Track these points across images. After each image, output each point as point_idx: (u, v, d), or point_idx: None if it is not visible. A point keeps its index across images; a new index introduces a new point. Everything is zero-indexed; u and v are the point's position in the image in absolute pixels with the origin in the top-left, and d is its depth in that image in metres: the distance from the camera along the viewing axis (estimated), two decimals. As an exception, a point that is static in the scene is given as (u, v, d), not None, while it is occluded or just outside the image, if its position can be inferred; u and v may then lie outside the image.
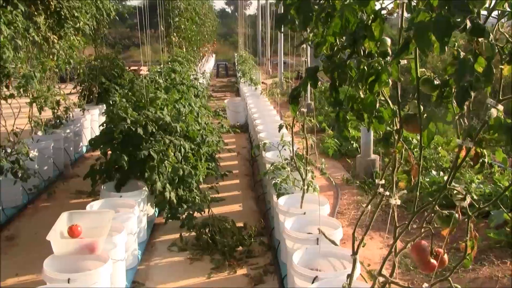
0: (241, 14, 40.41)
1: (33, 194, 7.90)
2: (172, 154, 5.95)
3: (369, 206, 3.34)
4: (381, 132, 2.91)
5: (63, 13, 8.80)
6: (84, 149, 10.87)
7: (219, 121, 8.18)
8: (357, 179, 8.22)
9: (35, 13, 8.32)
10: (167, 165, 5.82)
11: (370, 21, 2.48)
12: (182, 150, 6.11)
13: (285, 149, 6.30)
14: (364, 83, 2.51)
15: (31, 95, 6.73)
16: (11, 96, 5.96)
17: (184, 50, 13.72)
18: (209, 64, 27.28)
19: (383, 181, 3.09)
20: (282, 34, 19.70)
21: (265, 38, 29.45)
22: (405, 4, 2.35)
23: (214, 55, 35.13)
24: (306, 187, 5.23)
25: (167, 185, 5.90)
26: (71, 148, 10.00)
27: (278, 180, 5.73)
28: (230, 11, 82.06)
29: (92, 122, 11.32)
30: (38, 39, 7.35)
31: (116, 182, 6.15)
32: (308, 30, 3.66)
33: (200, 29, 19.10)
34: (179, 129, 6.16)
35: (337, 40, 3.08)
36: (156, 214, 6.93)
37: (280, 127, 6.07)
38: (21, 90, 6.07)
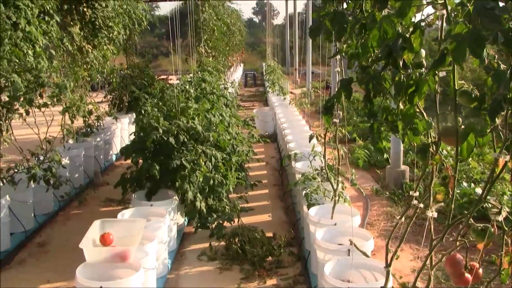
0: (268, 23, 40.48)
1: (64, 201, 7.98)
2: (203, 163, 5.98)
3: (403, 218, 3.30)
4: (414, 144, 2.89)
5: (97, 23, 8.93)
6: (114, 157, 10.98)
7: (249, 131, 8.17)
8: (387, 190, 8.16)
9: (71, 23, 8.44)
10: (198, 174, 5.84)
11: (409, 33, 2.47)
12: (213, 159, 6.13)
13: (315, 160, 6.29)
14: (403, 95, 2.49)
15: (64, 104, 6.79)
16: (45, 105, 6.03)
17: (211, 59, 13.78)
18: (237, 74, 27.35)
19: (417, 193, 3.07)
20: (311, 43, 19.77)
21: (293, 48, 29.51)
22: (444, 16, 2.34)
23: (242, 65, 35.20)
24: (337, 198, 5.21)
25: (198, 194, 5.93)
26: (101, 156, 10.10)
27: (308, 191, 5.72)
28: (257, 21, 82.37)
29: (122, 130, 11.46)
30: (72, 49, 7.45)
31: (146, 191, 6.19)
32: (342, 41, 3.66)
33: (229, 38, 19.16)
34: (211, 138, 6.19)
35: (373, 51, 3.07)
36: (186, 223, 6.96)
37: (311, 137, 6.06)
38: (55, 99, 6.13)
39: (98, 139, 9.85)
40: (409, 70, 2.69)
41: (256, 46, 54.41)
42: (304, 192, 5.82)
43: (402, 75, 2.68)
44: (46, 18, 5.99)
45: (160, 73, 18.62)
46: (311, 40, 19.95)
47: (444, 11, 2.34)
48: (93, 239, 4.59)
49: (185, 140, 6.03)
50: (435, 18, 2.48)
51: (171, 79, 11.65)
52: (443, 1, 2.35)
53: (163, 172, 5.93)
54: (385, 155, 9.44)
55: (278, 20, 50.06)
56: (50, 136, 7.03)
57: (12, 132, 6.47)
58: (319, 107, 15.58)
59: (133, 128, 10.13)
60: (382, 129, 2.95)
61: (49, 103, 6.18)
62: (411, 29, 2.53)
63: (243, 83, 28.99)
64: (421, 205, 3.04)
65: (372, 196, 7.99)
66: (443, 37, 2.40)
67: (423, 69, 2.67)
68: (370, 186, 8.50)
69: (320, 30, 4.61)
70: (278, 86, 15.47)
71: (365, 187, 8.39)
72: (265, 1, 47.20)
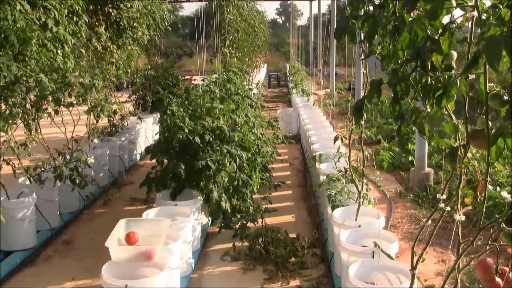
0: (292, 24, 40.49)
1: (89, 200, 8.06)
2: (228, 163, 6.00)
3: (429, 221, 3.28)
4: (441, 146, 2.88)
5: (122, 24, 9.00)
6: (138, 157, 11.05)
7: (274, 132, 8.16)
8: (411, 193, 8.12)
9: (97, 23, 8.52)
10: (223, 174, 5.86)
11: (438, 35, 2.46)
12: (238, 160, 6.15)
13: (339, 161, 6.28)
14: (431, 97, 2.48)
15: (89, 104, 6.85)
16: (71, 104, 6.08)
17: (236, 60, 13.80)
18: (260, 74, 27.36)
19: (444, 196, 3.05)
20: (335, 44, 19.71)
21: (317, 49, 29.46)
22: (474, 18, 2.33)
23: (265, 65, 35.23)
24: (361, 200, 5.19)
25: (223, 194, 5.94)
26: (126, 156, 10.17)
27: (332, 192, 5.72)
28: (281, 21, 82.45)
29: (146, 130, 11.52)
30: (100, 48, 7.52)
31: (171, 190, 6.22)
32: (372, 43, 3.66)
33: (253, 39, 19.18)
34: (236, 138, 6.21)
35: (403, 54, 3.07)
36: (210, 223, 6.98)
37: (336, 138, 6.04)
38: (80, 99, 6.19)
39: (123, 138, 9.92)
40: (437, 73, 2.68)
41: (279, 46, 54.43)
42: (328, 193, 5.82)
43: (429, 78, 2.67)
44: (75, 18, 6.04)
45: (183, 73, 18.74)
46: (335, 41, 19.90)
47: (475, 13, 2.33)
48: (119, 238, 4.63)
49: (211, 140, 6.04)
50: (465, 20, 2.46)
51: (195, 79, 11.71)
52: (473, 3, 2.34)
53: (188, 172, 5.95)
54: (410, 157, 9.39)
55: (302, 21, 50.08)
56: (76, 135, 7.11)
57: (40, 131, 6.55)
58: (343, 108, 15.57)
59: (157, 128, 10.23)
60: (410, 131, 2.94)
61: (75, 102, 6.23)
62: (439, 31, 2.52)
63: (266, 83, 28.99)
64: (448, 208, 3.01)
65: (395, 198, 7.96)
66: (472, 40, 2.39)
67: (453, 71, 2.66)
68: (394, 188, 8.46)
69: (345, 31, 4.63)
70: (302, 87, 15.45)
71: (388, 189, 8.37)
72: (288, 2, 47.16)
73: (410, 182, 8.46)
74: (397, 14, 3.11)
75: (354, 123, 3.46)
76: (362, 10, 3.99)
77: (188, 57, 41.96)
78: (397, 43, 2.46)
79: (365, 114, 10.29)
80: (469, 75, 2.29)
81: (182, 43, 44.96)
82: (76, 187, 6.80)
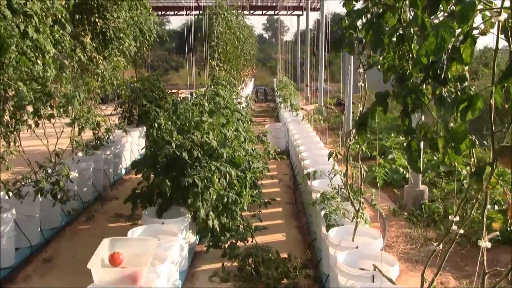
0: (279, 39, 40.49)
1: (72, 216, 7.75)
2: (217, 180, 5.72)
3: (440, 245, 3.04)
4: (455, 163, 2.64)
5: (108, 34, 8.73)
6: (124, 171, 10.73)
7: (265, 147, 7.87)
8: (405, 211, 7.87)
9: (82, 33, 8.26)
10: (211, 191, 5.59)
11: (459, 42, 2.22)
12: (228, 176, 5.87)
13: (330, 178, 6.03)
14: (455, 111, 2.23)
15: (72, 115, 6.53)
16: (51, 116, 5.76)
17: (223, 73, 13.55)
18: (248, 89, 27.18)
19: (457, 218, 2.81)
20: (323, 59, 19.55)
21: (304, 64, 29.38)
22: (500, 23, 2.09)
23: (252, 80, 35.11)
24: (361, 222, 4.94)
25: (211, 212, 5.67)
26: (111, 170, 9.87)
27: (327, 211, 5.46)
28: (267, 37, 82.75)
29: (132, 144, 11.22)
30: (84, 59, 7.23)
31: (157, 207, 5.94)
32: (364, 53, 3.43)
33: (241, 53, 18.97)
34: (225, 155, 5.93)
35: (408, 63, 2.84)
36: (197, 241, 6.70)
37: (330, 154, 5.79)
38: (61, 110, 5.84)
39: (108, 152, 9.64)
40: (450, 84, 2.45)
41: (266, 61, 54.64)
42: (323, 212, 5.56)
43: (443, 90, 2.43)
44: (56, 27, 5.76)
45: (170, 87, 18.48)
46: (323, 55, 19.77)
47: (501, 17, 2.09)
48: (102, 259, 4.33)
49: (199, 155, 5.76)
50: (489, 26, 2.22)
51: (182, 93, 11.42)
52: (499, 8, 2.10)
53: (175, 188, 5.67)
54: (404, 174, 9.16)
55: (288, 37, 50.12)
56: (59, 148, 6.80)
57: (20, 144, 6.25)
58: (332, 124, 15.39)
59: (143, 142, 9.92)
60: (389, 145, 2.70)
61: (55, 114, 5.90)
62: (460, 38, 2.28)
63: (253, 98, 28.80)
64: (461, 231, 2.77)
65: (389, 217, 7.71)
66: (499, 47, 2.15)
67: (465, 82, 2.42)
68: (387, 206, 8.21)
69: (343, 43, 4.40)
70: (290, 102, 15.23)
71: (381, 206, 8.11)
72: (276, 17, 47.19)
73: (404, 200, 8.22)
74: (402, 22, 2.88)
75: (358, 139, 3.20)
76: (364, 18, 3.79)
77: (175, 71, 41.81)
78: (421, 49, 2.20)
79: (354, 130, 10.05)
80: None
81: (168, 56, 44.81)
82: (58, 202, 6.48)
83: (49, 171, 6.52)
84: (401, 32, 2.74)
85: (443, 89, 2.43)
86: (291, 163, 11.65)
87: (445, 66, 2.27)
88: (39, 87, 5.10)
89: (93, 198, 8.77)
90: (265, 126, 14.87)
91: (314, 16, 27.50)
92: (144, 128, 11.25)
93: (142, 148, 6.59)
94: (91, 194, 8.69)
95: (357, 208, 4.96)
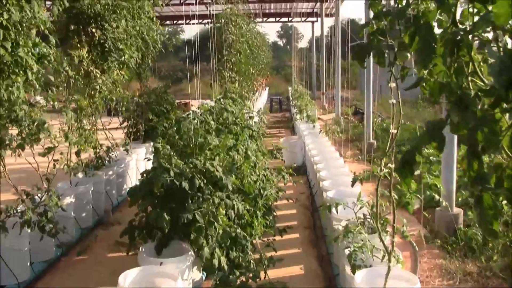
0: (294, 47, 39.87)
1: (68, 244, 7.04)
2: (224, 213, 4.95)
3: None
4: None
5: (107, 45, 8.00)
6: (128, 192, 9.98)
7: (279, 172, 6.96)
8: (437, 237, 7.02)
9: (78, 45, 7.56)
10: (217, 226, 4.82)
11: None
12: (235, 208, 5.11)
13: (356, 212, 5.23)
14: None
15: (52, 142, 5.70)
16: (20, 146, 4.99)
17: (237, 84, 12.81)
18: (262, 99, 26.45)
19: None
20: (340, 66, 18.82)
21: (320, 71, 28.66)
22: None
23: (267, 89, 34.44)
24: (393, 262, 4.16)
25: (217, 249, 4.90)
26: (114, 191, 9.15)
27: (352, 248, 4.67)
28: (282, 44, 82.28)
29: (138, 162, 10.39)
30: (75, 74, 6.48)
31: (156, 243, 5.21)
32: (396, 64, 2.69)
33: (254, 62, 18.25)
34: (230, 187, 5.14)
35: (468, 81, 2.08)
36: (204, 278, 5.94)
37: (354, 181, 5.00)
38: (32, 137, 5.02)
39: (110, 172, 8.92)
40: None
41: (280, 69, 54.15)
42: (347, 250, 4.78)
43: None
44: (37, 39, 5.04)
45: (183, 97, 17.79)
46: (340, 62, 19.02)
47: None
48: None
49: (202, 185, 4.98)
50: None
51: (192, 105, 10.68)
52: None
53: (175, 223, 4.92)
54: (436, 196, 8.28)
55: (303, 44, 49.43)
56: (49, 173, 6.07)
57: (5, 169, 5.55)
58: (350, 135, 14.60)
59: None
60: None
61: (24, 143, 5.06)
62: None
63: (268, 108, 28.10)
64: None
65: (419, 244, 6.87)
66: None
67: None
68: (415, 231, 7.35)
69: (369, 51, 3.67)
70: (306, 113, 14.46)
71: (410, 231, 7.27)
72: (290, 24, 46.60)
73: (436, 224, 7.36)
74: (456, 23, 2.14)
75: (402, 184, 2.44)
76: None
77: (189, 81, 41.20)
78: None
79: (375, 142, 9.23)
80: None
81: (183, 66, 44.31)
82: (46, 235, 5.75)
83: (37, 199, 5.80)
84: (459, 37, 1.99)
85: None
86: (308, 180, 10.86)
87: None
88: (5, 111, 4.35)
89: (93, 223, 8.06)
90: (280, 139, 14.15)
91: (328, 22, 26.80)
92: (151, 144, 10.54)
93: (141, 174, 5.87)
94: (90, 219, 7.98)
95: (388, 248, 4.18)
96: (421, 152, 2.29)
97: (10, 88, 4.27)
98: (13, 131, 5.25)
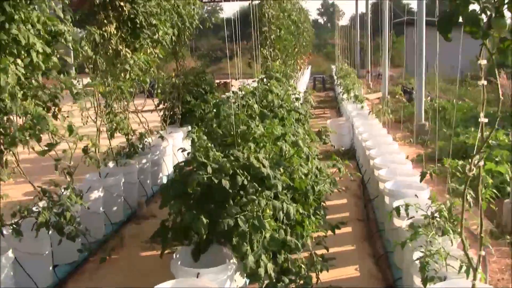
0: (336, 24, 38.95)
1: (97, 243, 6.40)
2: (271, 214, 4.17)
3: None
4: None
5: (138, 21, 7.23)
6: (165, 180, 9.21)
7: (333, 162, 6.09)
8: (505, 232, 6.18)
9: (105, 21, 6.83)
10: (263, 231, 4.06)
11: None
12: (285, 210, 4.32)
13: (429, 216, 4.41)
14: None
15: (53, 138, 4.91)
16: (12, 144, 4.24)
17: (278, 63, 11.97)
18: (304, 78, 25.57)
19: None
20: (387, 42, 17.82)
21: (364, 48, 27.68)
22: None
23: (309, 67, 33.57)
24: (477, 279, 3.37)
25: (263, 256, 4.15)
26: (148, 181, 8.46)
27: (422, 255, 3.89)
28: (322, 22, 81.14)
29: (175, 147, 9.59)
30: (91, 53, 5.74)
31: (193, 247, 4.48)
32: None
33: (298, 39, 17.36)
34: (280, 187, 4.33)
35: None
36: (248, 282, 5.20)
37: (423, 175, 4.18)
38: (27, 134, 4.22)
39: (144, 160, 8.22)
40: None
41: (321, 47, 53.43)
42: (415, 254, 4.01)
43: None
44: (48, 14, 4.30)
45: (222, 76, 17.09)
46: (387, 38, 18.02)
47: None
48: None
49: (245, 182, 4.20)
50: None
51: (233, 85, 9.90)
52: None
53: (214, 226, 4.18)
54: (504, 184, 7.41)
55: (344, 21, 48.36)
56: (70, 166, 5.34)
57: (18, 164, 4.88)
58: (399, 116, 13.70)
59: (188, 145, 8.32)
60: None
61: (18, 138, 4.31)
62: None
63: (311, 87, 27.27)
64: None
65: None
66: None
67: None
68: (477, 224, 6.46)
69: (456, 18, 2.96)
70: (354, 93, 13.60)
71: (471, 225, 6.39)
72: (330, 1, 45.56)
73: (504, 218, 6.51)
74: None
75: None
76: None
77: (229, 60, 40.65)
78: None
79: (427, 123, 8.26)
80: None
81: (223, 44, 43.74)
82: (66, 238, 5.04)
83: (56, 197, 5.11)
84: None
85: None
86: (358, 165, 10.02)
87: None
88: None
89: (125, 217, 7.40)
90: (326, 120, 13.36)
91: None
92: (189, 127, 9.82)
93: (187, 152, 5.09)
94: (122, 213, 7.31)
95: (474, 264, 3.38)
96: None
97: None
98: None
